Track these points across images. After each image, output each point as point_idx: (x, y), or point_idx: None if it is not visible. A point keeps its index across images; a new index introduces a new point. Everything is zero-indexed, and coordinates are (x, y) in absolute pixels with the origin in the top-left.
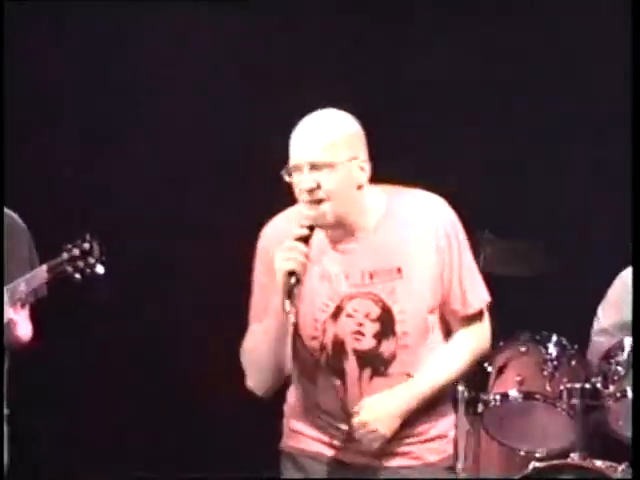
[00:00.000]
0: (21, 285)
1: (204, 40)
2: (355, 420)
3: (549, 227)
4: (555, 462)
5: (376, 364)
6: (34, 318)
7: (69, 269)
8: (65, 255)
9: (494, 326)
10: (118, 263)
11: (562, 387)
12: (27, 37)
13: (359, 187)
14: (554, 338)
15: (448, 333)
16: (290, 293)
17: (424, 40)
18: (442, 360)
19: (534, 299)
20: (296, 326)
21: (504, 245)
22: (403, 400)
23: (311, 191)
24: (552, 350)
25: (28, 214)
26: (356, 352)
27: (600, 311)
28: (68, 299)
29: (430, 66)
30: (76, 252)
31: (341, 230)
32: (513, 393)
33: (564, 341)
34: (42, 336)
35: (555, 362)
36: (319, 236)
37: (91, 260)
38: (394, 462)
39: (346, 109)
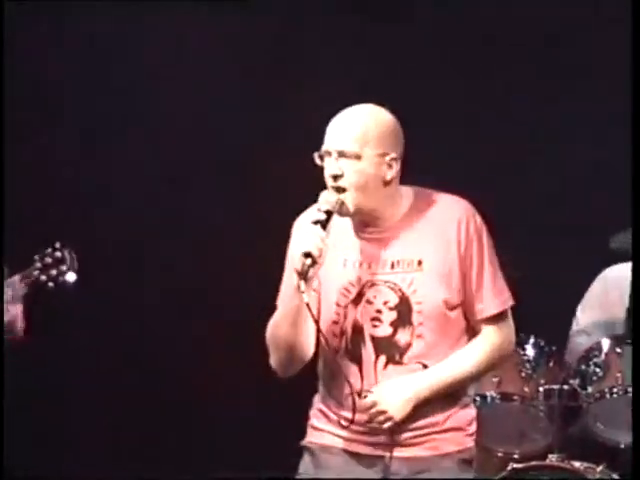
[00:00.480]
0: (17, 281)
1: (204, 40)
2: (367, 400)
3: (530, 228)
4: (533, 463)
5: (391, 351)
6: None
7: (42, 278)
8: (38, 264)
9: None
10: (115, 263)
11: (540, 388)
12: (27, 37)
13: (385, 183)
14: (532, 340)
15: (472, 335)
16: (305, 274)
17: (424, 39)
18: (459, 357)
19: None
20: (319, 311)
21: None
22: (415, 387)
23: (335, 178)
24: (530, 351)
25: (26, 213)
26: (373, 339)
27: (579, 312)
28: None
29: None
30: (48, 260)
31: (365, 219)
32: (491, 394)
33: (542, 342)
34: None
35: (533, 363)
36: (345, 223)
37: (63, 268)
38: (406, 452)
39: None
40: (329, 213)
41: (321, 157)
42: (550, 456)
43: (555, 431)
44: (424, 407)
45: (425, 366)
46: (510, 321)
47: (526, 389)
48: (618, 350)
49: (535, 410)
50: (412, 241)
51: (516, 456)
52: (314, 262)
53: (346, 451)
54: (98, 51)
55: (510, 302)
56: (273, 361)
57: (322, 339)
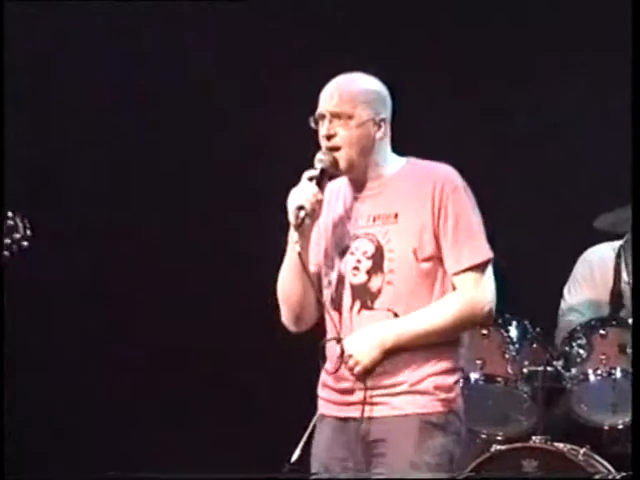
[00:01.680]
0: None
1: (204, 39)
2: (335, 347)
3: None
4: (516, 445)
5: (364, 297)
6: None
7: None
8: None
9: None
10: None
11: (524, 370)
12: (27, 37)
13: (375, 142)
14: (515, 321)
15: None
16: (299, 227)
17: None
18: (429, 310)
19: (495, 282)
20: (305, 270)
21: None
22: (382, 333)
23: (329, 138)
24: (513, 333)
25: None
26: (352, 286)
27: (566, 291)
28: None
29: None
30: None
31: (356, 178)
32: (474, 376)
33: (526, 324)
34: None
35: (517, 345)
36: (342, 183)
37: (17, 236)
38: (377, 412)
39: None
40: (323, 171)
41: (316, 121)
42: (534, 438)
43: (539, 413)
44: (395, 361)
45: (396, 315)
46: (486, 278)
47: (510, 371)
48: (602, 332)
49: (519, 392)
50: (392, 197)
51: (499, 438)
52: (307, 215)
53: (333, 416)
54: (98, 51)
55: (485, 256)
56: (283, 316)
57: (324, 299)
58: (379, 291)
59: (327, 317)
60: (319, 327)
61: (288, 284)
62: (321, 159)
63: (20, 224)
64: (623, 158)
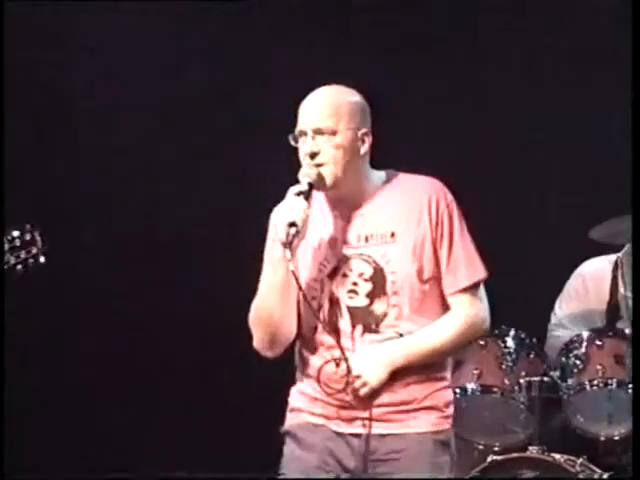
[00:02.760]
0: None
1: (203, 39)
2: (343, 367)
3: (513, 221)
4: (513, 455)
5: (368, 321)
6: None
7: (11, 260)
8: (6, 246)
9: None
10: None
11: (520, 380)
12: (27, 37)
13: (359, 156)
14: (512, 332)
15: (446, 309)
16: (290, 244)
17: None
18: (433, 329)
19: (493, 292)
20: (300, 288)
21: None
22: (391, 353)
23: (313, 155)
24: (510, 344)
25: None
26: (349, 309)
27: (557, 307)
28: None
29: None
30: (17, 243)
31: (340, 194)
32: (471, 386)
33: (522, 335)
34: None
35: (513, 355)
36: (320, 201)
37: (34, 250)
38: (383, 429)
39: None
40: (311, 185)
41: (295, 139)
42: (530, 448)
43: (535, 423)
44: (401, 379)
45: (401, 335)
46: (482, 296)
47: (506, 381)
48: (598, 342)
49: (515, 402)
50: (384, 215)
51: (496, 448)
52: (297, 232)
53: (325, 427)
54: (98, 51)
55: (480, 276)
56: (258, 340)
57: (302, 311)
58: (385, 314)
59: (317, 340)
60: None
61: (272, 304)
62: (308, 173)
63: (38, 238)
64: (620, 168)
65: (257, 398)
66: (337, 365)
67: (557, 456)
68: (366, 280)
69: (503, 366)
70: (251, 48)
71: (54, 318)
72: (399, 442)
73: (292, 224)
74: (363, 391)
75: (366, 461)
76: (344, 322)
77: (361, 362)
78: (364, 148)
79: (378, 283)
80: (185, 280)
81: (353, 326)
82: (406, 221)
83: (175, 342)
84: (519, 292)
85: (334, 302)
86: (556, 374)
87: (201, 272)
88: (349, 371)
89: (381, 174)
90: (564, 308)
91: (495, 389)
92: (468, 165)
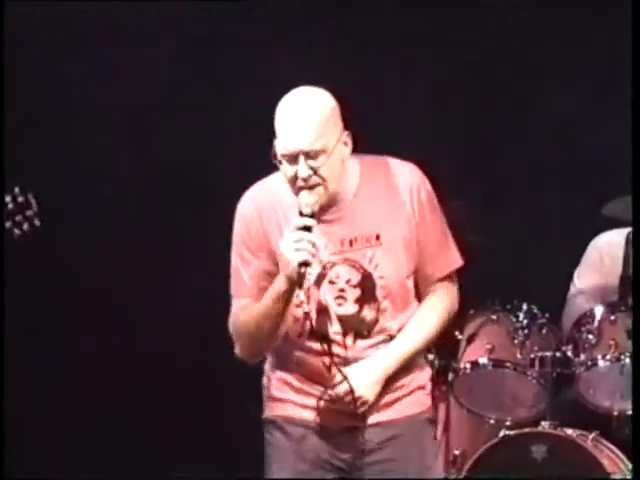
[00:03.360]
0: None
1: (203, 39)
2: (340, 389)
3: (526, 196)
4: (525, 430)
5: (359, 328)
6: None
7: (7, 224)
8: None
9: (465, 294)
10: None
11: (533, 355)
12: (27, 37)
13: (344, 161)
14: (525, 307)
15: (420, 296)
16: (301, 285)
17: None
18: (418, 324)
19: (505, 267)
20: (312, 328)
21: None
22: (383, 365)
23: (307, 179)
24: (523, 318)
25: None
26: (339, 317)
27: (576, 276)
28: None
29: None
30: (11, 207)
31: (326, 202)
32: (483, 361)
33: (535, 309)
34: None
35: (526, 330)
36: (293, 206)
37: (29, 213)
38: (377, 418)
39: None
40: (313, 215)
41: (280, 161)
42: (542, 423)
43: (547, 398)
44: (392, 376)
45: (391, 336)
46: (455, 281)
47: (519, 356)
48: (612, 317)
49: (528, 377)
50: (367, 216)
51: (508, 423)
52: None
53: (314, 422)
54: (97, 51)
55: (459, 262)
56: (242, 349)
57: (288, 323)
58: (375, 320)
59: (305, 347)
60: None
61: (266, 331)
62: (308, 203)
63: (32, 200)
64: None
65: (257, 398)
66: (329, 371)
67: (569, 431)
68: (354, 286)
69: (515, 341)
70: (251, 48)
71: (54, 318)
72: (391, 428)
73: (305, 263)
74: (362, 409)
75: (359, 452)
76: (334, 329)
77: (358, 382)
78: (348, 150)
79: (367, 289)
80: (185, 280)
81: (344, 334)
82: (389, 220)
83: (175, 342)
84: (532, 267)
85: (322, 310)
86: (569, 349)
87: (201, 272)
88: (345, 394)
89: (354, 166)
90: (583, 278)
91: (507, 364)
92: (487, 140)
